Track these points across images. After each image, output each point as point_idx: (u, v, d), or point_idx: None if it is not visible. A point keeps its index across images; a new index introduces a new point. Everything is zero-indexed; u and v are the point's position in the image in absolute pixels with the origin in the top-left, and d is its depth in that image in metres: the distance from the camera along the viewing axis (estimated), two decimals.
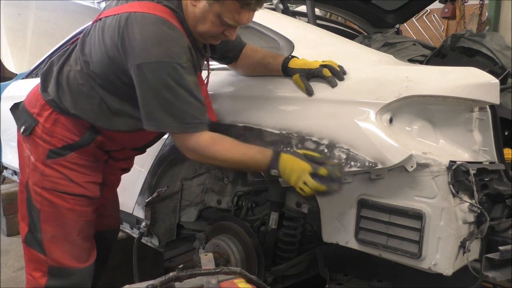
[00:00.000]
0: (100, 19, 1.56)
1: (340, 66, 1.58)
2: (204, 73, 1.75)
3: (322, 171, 1.38)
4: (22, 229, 1.67)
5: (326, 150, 1.49)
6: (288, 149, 1.55)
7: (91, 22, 1.65)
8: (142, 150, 1.89)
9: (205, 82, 1.69)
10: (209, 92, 1.88)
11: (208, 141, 1.48)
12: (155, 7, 1.45)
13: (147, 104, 1.46)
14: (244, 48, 1.78)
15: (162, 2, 1.48)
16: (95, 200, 1.72)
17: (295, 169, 1.42)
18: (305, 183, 1.40)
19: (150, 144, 1.87)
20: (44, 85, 1.65)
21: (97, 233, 1.83)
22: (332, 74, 1.55)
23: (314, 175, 1.39)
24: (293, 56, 1.68)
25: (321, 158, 1.45)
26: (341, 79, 1.55)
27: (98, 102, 1.58)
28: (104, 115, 1.60)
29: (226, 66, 1.85)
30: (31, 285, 1.65)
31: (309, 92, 1.57)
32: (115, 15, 1.48)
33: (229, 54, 1.78)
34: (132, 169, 2.21)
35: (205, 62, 1.75)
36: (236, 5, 1.41)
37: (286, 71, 1.65)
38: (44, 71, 1.69)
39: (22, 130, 1.65)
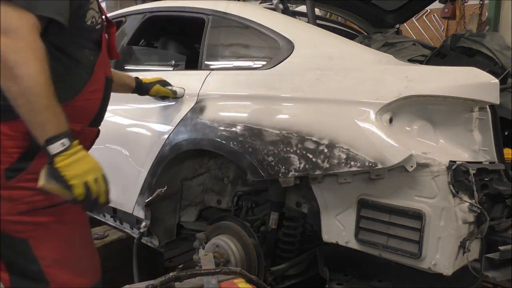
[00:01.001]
0: None
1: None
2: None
3: None
4: (4, 279, 1.40)
5: (326, 150, 1.49)
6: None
7: None
8: (95, 125, 1.55)
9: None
10: (210, 92, 1.89)
11: (24, 30, 1.12)
12: None
13: None
14: None
15: None
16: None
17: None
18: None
19: (98, 115, 1.53)
20: None
21: None
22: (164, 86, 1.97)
23: None
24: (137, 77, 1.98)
25: None
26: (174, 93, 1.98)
27: None
28: None
29: (227, 66, 1.85)
30: None
31: (174, 93, 1.94)
32: None
33: None
34: (132, 169, 2.21)
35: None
36: None
37: (142, 87, 1.95)
38: None
39: None
